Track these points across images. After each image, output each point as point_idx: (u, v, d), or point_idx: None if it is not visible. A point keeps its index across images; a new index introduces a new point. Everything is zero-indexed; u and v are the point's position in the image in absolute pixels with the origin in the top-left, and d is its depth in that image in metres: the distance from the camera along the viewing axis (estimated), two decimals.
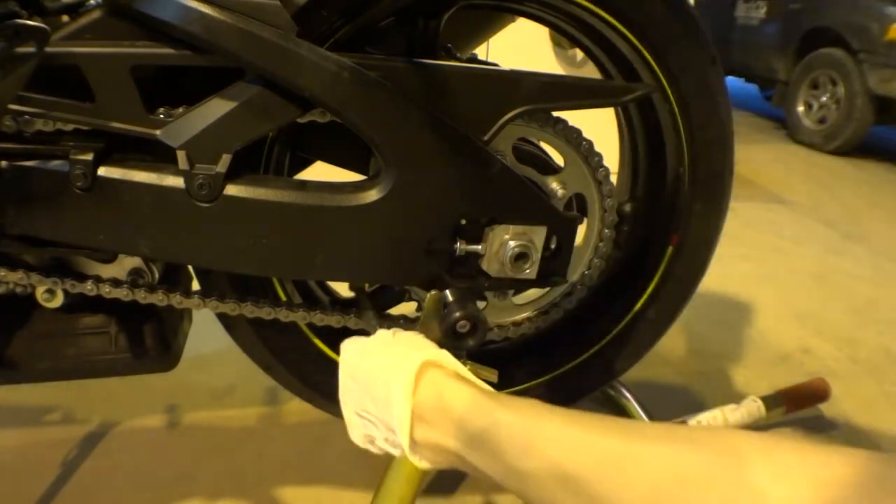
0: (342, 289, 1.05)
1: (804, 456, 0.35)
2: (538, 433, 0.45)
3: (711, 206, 0.96)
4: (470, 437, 0.48)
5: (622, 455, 0.41)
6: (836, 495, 0.31)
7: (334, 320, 0.89)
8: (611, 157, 0.94)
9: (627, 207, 1.04)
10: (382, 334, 0.67)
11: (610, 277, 1.04)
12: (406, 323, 0.91)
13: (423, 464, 0.53)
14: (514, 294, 0.95)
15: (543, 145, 0.93)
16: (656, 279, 1.00)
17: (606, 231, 0.92)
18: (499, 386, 0.87)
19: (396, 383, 0.53)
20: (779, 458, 0.35)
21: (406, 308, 1.02)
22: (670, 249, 0.99)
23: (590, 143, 0.88)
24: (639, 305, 1.02)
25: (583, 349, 1.05)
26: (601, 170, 0.89)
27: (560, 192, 0.88)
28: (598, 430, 0.44)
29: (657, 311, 1.02)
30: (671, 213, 0.98)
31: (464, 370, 0.56)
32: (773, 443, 0.37)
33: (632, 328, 1.03)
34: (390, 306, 1.03)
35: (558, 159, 0.91)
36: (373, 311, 0.90)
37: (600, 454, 0.42)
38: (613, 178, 0.93)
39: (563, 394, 1.06)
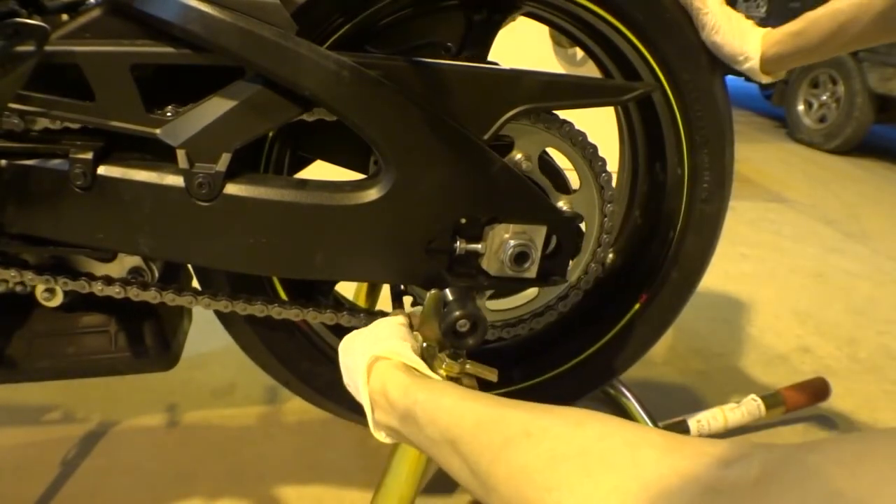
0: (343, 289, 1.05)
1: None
2: (439, 406, 0.54)
3: (711, 206, 0.96)
4: (401, 416, 0.57)
5: (489, 420, 0.49)
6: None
7: (327, 318, 0.89)
8: (611, 160, 0.94)
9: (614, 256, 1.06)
10: (357, 332, 0.74)
11: (609, 278, 1.04)
12: None
13: (386, 440, 0.63)
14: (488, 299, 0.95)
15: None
16: (654, 280, 1.01)
17: (605, 236, 0.92)
18: (497, 385, 0.87)
19: (358, 376, 0.64)
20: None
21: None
22: (669, 254, 0.99)
23: (609, 176, 0.88)
24: (638, 306, 1.02)
25: (582, 349, 1.05)
26: (609, 205, 0.89)
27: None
28: (483, 401, 0.53)
29: (656, 312, 1.02)
30: (670, 218, 0.98)
31: (410, 359, 0.64)
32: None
33: (631, 328, 1.03)
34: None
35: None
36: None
37: (476, 419, 0.50)
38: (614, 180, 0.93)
39: (563, 393, 1.06)
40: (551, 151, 0.89)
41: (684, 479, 0.34)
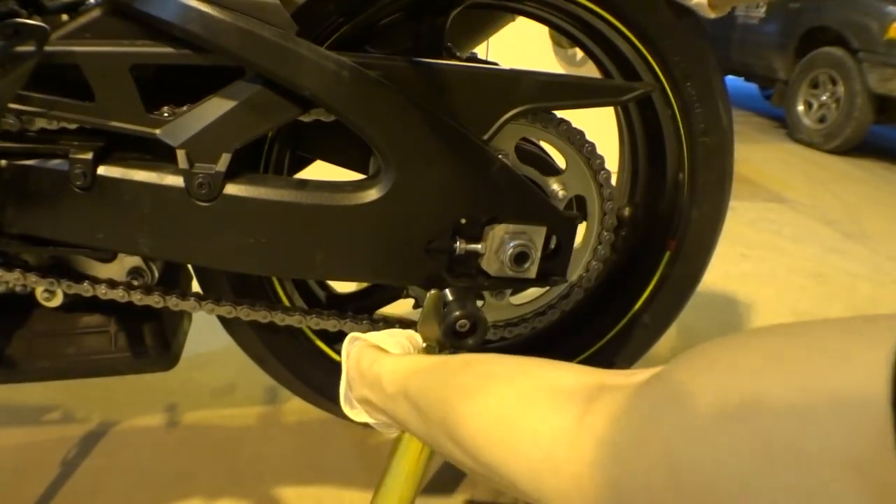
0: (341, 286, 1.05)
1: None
2: (399, 366, 0.60)
3: (711, 206, 0.96)
4: (370, 384, 0.62)
5: (438, 363, 0.56)
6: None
7: (331, 324, 0.89)
8: (612, 160, 0.94)
9: (626, 212, 1.04)
10: None
11: (608, 278, 1.04)
12: (401, 326, 0.91)
13: (354, 416, 0.67)
14: (512, 294, 0.95)
15: (546, 146, 0.93)
16: (654, 281, 1.01)
17: (605, 234, 0.92)
18: None
19: (343, 356, 0.70)
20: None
21: (404, 307, 1.02)
22: (667, 253, 0.99)
23: (592, 146, 0.88)
24: (637, 306, 1.02)
25: (583, 349, 1.05)
26: (603, 172, 0.89)
27: (561, 193, 0.88)
28: (437, 356, 0.60)
29: (655, 313, 1.02)
30: (670, 215, 0.98)
31: (384, 343, 0.68)
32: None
33: (630, 329, 1.03)
34: (385, 304, 1.03)
35: (559, 160, 0.91)
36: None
37: (428, 365, 0.56)
38: (614, 179, 0.93)
39: None
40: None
41: (585, 383, 0.40)
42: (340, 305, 0.98)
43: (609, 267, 1.01)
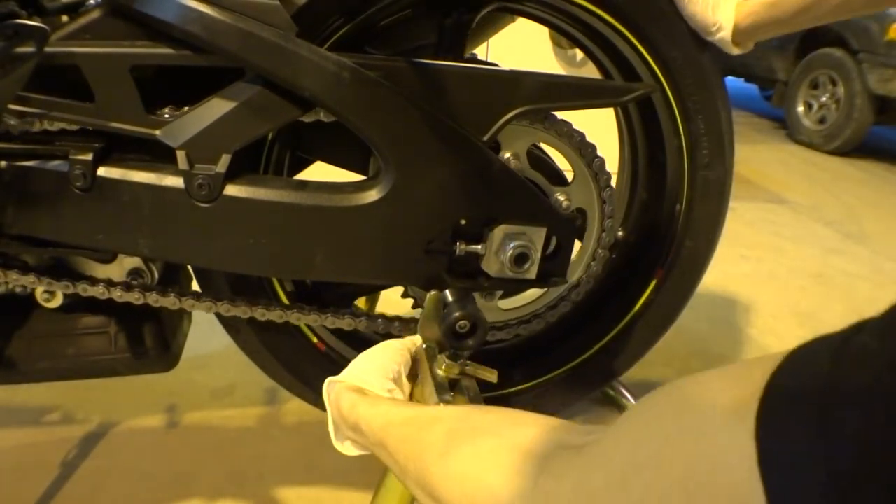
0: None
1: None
2: (375, 414, 0.63)
3: (710, 209, 0.96)
4: (352, 428, 0.65)
5: (411, 416, 0.59)
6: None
7: (329, 322, 0.89)
8: (611, 160, 0.94)
9: (620, 234, 1.05)
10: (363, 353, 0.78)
11: (609, 278, 1.04)
12: (400, 324, 0.91)
13: (346, 451, 0.70)
14: (502, 297, 0.95)
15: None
16: (636, 308, 1.01)
17: (601, 252, 0.92)
18: (498, 387, 0.87)
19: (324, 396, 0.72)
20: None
21: (403, 307, 1.02)
22: (654, 282, 0.99)
23: (601, 161, 0.88)
24: (638, 306, 1.02)
25: (583, 350, 1.05)
26: (607, 189, 0.89)
27: (564, 203, 0.88)
28: (411, 406, 0.65)
29: (655, 312, 1.02)
30: (662, 244, 0.99)
31: (364, 382, 0.69)
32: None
33: (631, 329, 1.03)
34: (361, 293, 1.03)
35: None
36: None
37: (402, 419, 0.60)
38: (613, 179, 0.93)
39: (564, 394, 1.06)
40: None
41: (544, 441, 0.43)
42: (316, 295, 0.97)
43: (611, 265, 1.01)
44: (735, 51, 0.87)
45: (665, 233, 0.99)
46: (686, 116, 0.90)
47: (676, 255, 0.98)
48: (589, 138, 0.86)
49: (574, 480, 0.38)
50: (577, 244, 0.90)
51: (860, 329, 0.27)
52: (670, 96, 0.90)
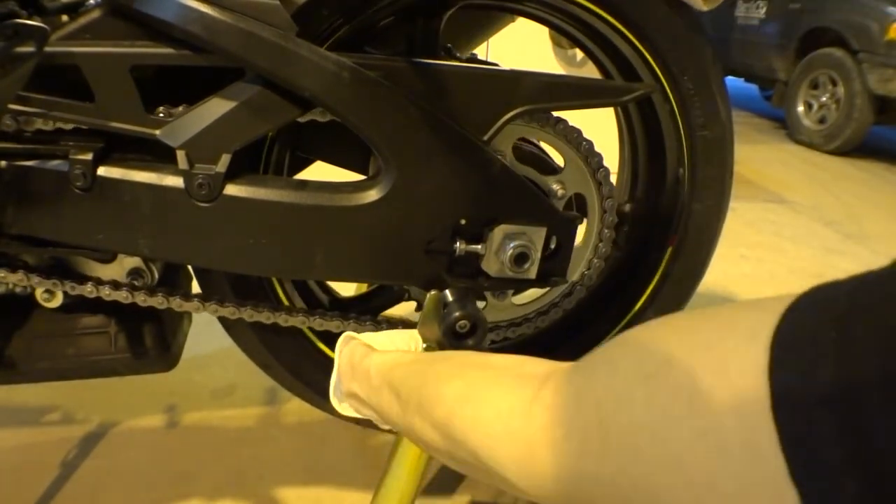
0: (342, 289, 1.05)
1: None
2: (386, 359, 0.64)
3: (712, 200, 0.95)
4: (359, 377, 0.66)
5: (421, 358, 0.61)
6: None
7: (334, 325, 0.89)
8: (611, 157, 0.94)
9: (627, 208, 1.04)
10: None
11: (609, 278, 1.04)
12: (403, 328, 0.91)
13: (342, 409, 0.71)
14: (514, 294, 0.95)
15: (543, 145, 0.93)
16: (656, 278, 1.00)
17: (606, 231, 0.92)
18: None
19: (336, 353, 0.73)
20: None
21: (406, 308, 1.02)
22: (669, 250, 0.99)
23: (590, 144, 0.87)
24: (638, 306, 1.02)
25: (583, 350, 1.05)
26: (601, 170, 0.89)
27: (560, 192, 0.88)
28: (420, 356, 0.66)
29: (656, 312, 1.02)
30: (670, 214, 0.98)
31: (378, 342, 0.71)
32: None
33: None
34: (388, 307, 1.03)
35: (558, 159, 0.90)
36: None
37: (411, 359, 0.61)
38: (613, 178, 0.93)
39: None
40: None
41: (546, 368, 0.46)
42: (343, 309, 0.98)
43: (612, 264, 1.01)
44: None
45: (672, 199, 0.98)
46: (684, 108, 0.90)
47: (687, 220, 0.96)
48: (583, 126, 0.87)
49: (574, 391, 0.39)
50: (582, 227, 0.90)
51: (875, 270, 0.28)
52: (669, 92, 0.89)
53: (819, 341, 0.26)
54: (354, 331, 0.90)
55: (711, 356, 0.30)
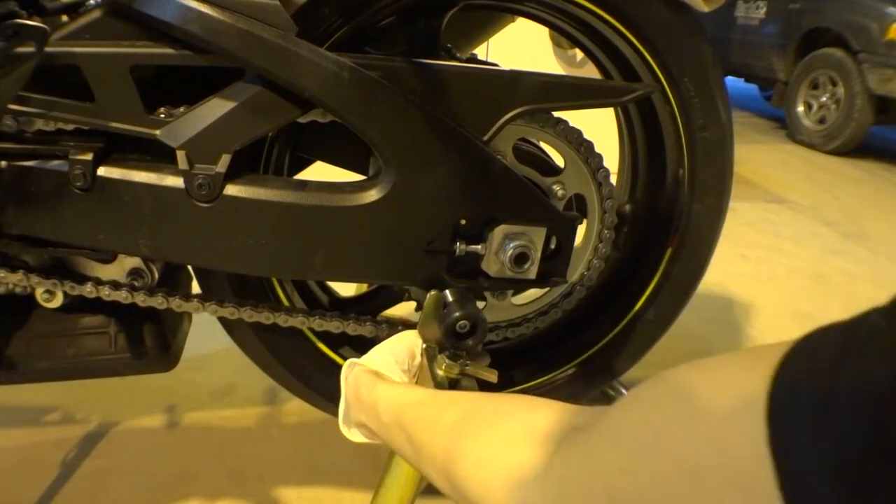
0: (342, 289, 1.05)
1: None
2: (394, 395, 0.64)
3: (712, 201, 0.95)
4: (367, 410, 0.66)
5: (429, 398, 0.61)
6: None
7: (334, 325, 0.89)
8: (611, 158, 0.94)
9: (627, 209, 1.04)
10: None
11: (609, 278, 1.04)
12: (404, 328, 0.91)
13: (353, 437, 0.71)
14: (514, 294, 0.95)
15: (544, 146, 0.93)
16: (656, 278, 1.00)
17: (606, 232, 0.92)
18: (498, 386, 0.87)
19: (342, 380, 0.73)
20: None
21: (406, 308, 1.02)
22: (669, 251, 0.99)
23: (590, 144, 0.88)
24: (638, 306, 1.02)
25: (583, 350, 1.05)
26: (601, 171, 0.89)
27: (560, 192, 0.88)
28: (431, 390, 0.67)
29: (656, 313, 1.02)
30: (670, 215, 0.98)
31: (383, 367, 0.71)
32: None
33: (631, 329, 1.03)
34: (388, 307, 1.03)
35: (559, 160, 0.90)
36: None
37: (419, 399, 0.62)
38: (613, 179, 0.93)
39: (564, 394, 1.06)
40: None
41: (559, 423, 0.45)
42: (342, 309, 0.98)
43: (612, 265, 1.01)
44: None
45: (672, 200, 0.98)
46: (684, 109, 0.90)
47: (687, 221, 0.96)
48: (584, 126, 0.87)
49: (582, 462, 0.39)
50: (582, 227, 0.90)
51: (869, 314, 0.28)
52: (669, 93, 0.90)
53: (815, 417, 0.26)
54: (354, 331, 0.90)
55: (709, 429, 0.31)
